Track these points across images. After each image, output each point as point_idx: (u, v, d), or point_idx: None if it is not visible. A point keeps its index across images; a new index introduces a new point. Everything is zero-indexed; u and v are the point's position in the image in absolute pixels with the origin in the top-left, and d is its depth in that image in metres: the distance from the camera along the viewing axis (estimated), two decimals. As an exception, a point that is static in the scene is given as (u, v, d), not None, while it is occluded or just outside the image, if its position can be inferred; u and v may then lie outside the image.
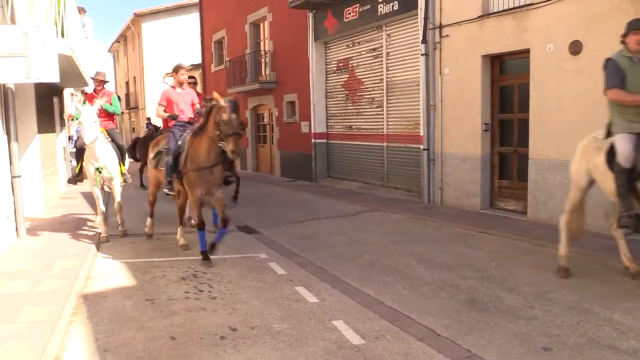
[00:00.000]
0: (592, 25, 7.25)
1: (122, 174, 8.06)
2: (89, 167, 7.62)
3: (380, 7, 11.73)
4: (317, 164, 14.90)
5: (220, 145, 6.05)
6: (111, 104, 7.97)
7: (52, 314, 4.39)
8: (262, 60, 18.19)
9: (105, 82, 8.29)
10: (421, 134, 10.62)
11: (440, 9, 9.83)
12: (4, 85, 6.93)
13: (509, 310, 4.62)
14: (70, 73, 9.77)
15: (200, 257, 6.42)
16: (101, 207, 7.83)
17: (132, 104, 35.86)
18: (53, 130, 12.35)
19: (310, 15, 14.40)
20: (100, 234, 7.76)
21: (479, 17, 9.03)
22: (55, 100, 13.13)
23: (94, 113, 7.25)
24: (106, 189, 8.16)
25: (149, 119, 21.62)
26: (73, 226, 8.57)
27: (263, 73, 18.16)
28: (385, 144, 12.41)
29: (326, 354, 3.78)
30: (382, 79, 12.37)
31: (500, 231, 7.70)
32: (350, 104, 13.76)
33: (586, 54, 7.36)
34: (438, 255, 6.64)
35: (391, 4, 11.41)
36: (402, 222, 9.02)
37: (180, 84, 7.52)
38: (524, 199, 8.55)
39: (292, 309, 4.77)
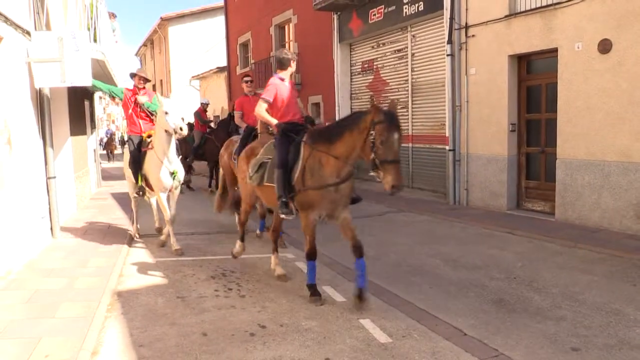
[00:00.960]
0: (622, 23, 7.15)
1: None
2: (161, 172, 6.90)
3: (406, 8, 11.73)
4: (342, 165, 14.93)
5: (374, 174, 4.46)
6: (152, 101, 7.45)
7: (88, 310, 4.55)
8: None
9: (147, 80, 7.76)
10: (447, 134, 10.58)
11: (467, 9, 9.80)
12: (40, 91, 7.17)
13: (536, 311, 4.61)
14: (102, 77, 10.02)
15: (230, 256, 6.51)
16: (169, 215, 7.08)
17: (159, 107, 36.43)
18: (84, 133, 12.68)
19: (335, 17, 14.47)
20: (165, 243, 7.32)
21: (505, 16, 8.97)
22: (87, 103, 13.47)
23: (179, 104, 6.89)
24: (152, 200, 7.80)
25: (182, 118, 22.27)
26: (105, 226, 8.80)
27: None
28: (410, 144, 12.39)
29: (354, 352, 3.84)
30: (407, 80, 12.36)
31: (527, 232, 7.64)
32: (375, 105, 13.76)
33: (616, 52, 7.26)
34: (464, 255, 6.64)
35: (416, 5, 11.41)
36: (428, 222, 9.02)
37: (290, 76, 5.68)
38: (552, 200, 8.47)
39: (320, 307, 4.84)
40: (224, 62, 24.49)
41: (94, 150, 15.12)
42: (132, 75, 7.61)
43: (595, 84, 7.56)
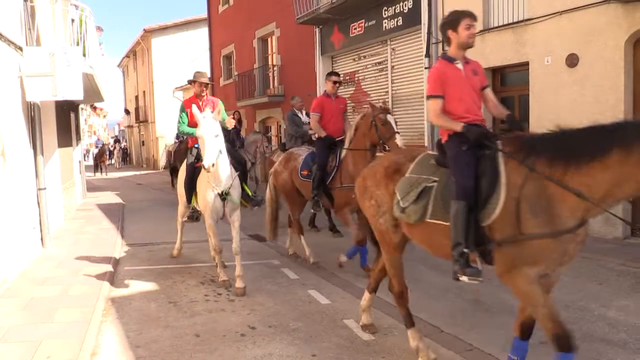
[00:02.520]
0: (587, 39, 7.60)
1: (252, 197, 6.33)
2: (207, 194, 5.72)
3: (385, 23, 12.14)
4: (325, 174, 15.25)
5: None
6: (219, 114, 5.70)
7: (84, 315, 4.75)
8: (270, 74, 18.66)
9: (208, 84, 6.35)
10: (426, 144, 10.96)
11: (443, 24, 10.21)
12: (30, 103, 7.36)
13: (510, 310, 4.91)
14: (89, 90, 10.21)
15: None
16: (217, 243, 6.02)
17: (141, 118, 36.47)
18: (70, 145, 12.81)
19: (317, 30, 14.85)
20: (221, 279, 6.06)
21: (479, 31, 9.38)
22: (72, 115, 13.61)
23: (217, 124, 5.45)
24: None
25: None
26: (93, 236, 8.96)
27: (271, 86, 18.61)
28: (391, 154, 12.74)
29: (339, 349, 4.10)
30: (387, 92, 12.75)
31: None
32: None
33: (582, 66, 7.70)
34: (445, 261, 6.92)
35: (395, 20, 11.82)
36: (408, 229, 9.32)
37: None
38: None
39: (306, 309, 5.10)
40: (207, 74, 24.69)
41: (80, 162, 15.23)
42: (191, 82, 6.29)
43: (564, 95, 7.99)
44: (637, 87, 7.28)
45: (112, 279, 6.22)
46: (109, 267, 6.61)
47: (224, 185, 5.64)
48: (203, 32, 27.10)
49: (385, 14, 12.10)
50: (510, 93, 9.36)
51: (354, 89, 14.16)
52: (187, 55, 29.49)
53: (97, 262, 6.92)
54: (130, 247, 8.18)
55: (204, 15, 26.30)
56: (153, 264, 7.12)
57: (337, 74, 7.20)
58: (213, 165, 5.16)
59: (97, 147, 38.30)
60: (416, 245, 3.95)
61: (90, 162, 33.70)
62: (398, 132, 6.02)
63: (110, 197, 16.03)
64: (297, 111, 9.87)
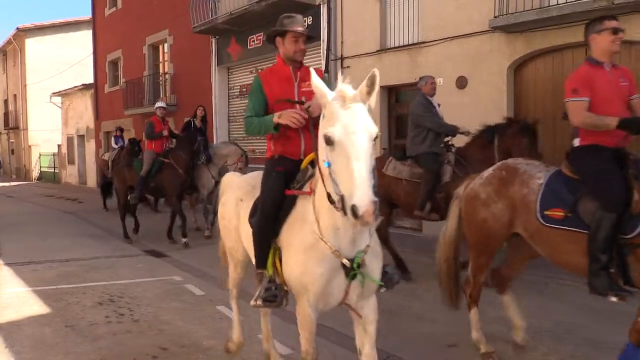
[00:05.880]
0: (475, 64, 8.29)
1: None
2: (314, 262, 2.79)
3: (284, 37, 12.27)
4: (221, 187, 14.99)
5: None
6: (373, 89, 2.80)
7: (-34, 345, 4.21)
8: (162, 82, 17.99)
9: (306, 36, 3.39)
10: (325, 158, 11.20)
11: (342, 42, 10.58)
12: None
13: (416, 316, 5.17)
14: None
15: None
16: (313, 352, 3.18)
17: (11, 124, 33.29)
18: None
19: (214, 40, 14.62)
20: None
21: (377, 51, 9.86)
22: None
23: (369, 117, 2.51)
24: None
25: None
26: (-37, 256, 7.99)
27: (162, 95, 17.94)
28: (289, 167, 12.84)
29: (259, 365, 4.03)
30: (286, 105, 12.86)
31: (401, 247, 8.37)
32: (254, 129, 14.08)
33: (471, 88, 8.37)
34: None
35: (295, 35, 12.00)
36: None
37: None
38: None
39: (218, 326, 4.95)
40: (90, 79, 23.26)
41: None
42: (276, 35, 3.43)
43: (456, 114, 8.56)
44: (517, 109, 8.05)
45: (-7, 303, 5.59)
46: (-12, 290, 5.93)
47: (357, 246, 2.71)
48: (86, 34, 25.56)
49: (284, 29, 12.23)
50: (405, 111, 9.88)
51: (251, 101, 14.11)
52: (67, 58, 27.54)
53: (-28, 284, 6.19)
54: (10, 267, 7.40)
55: (87, 17, 24.82)
56: (40, 285, 6.50)
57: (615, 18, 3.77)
58: (375, 203, 2.25)
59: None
60: None
61: None
62: None
63: None
64: (428, 97, 6.85)
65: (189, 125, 10.14)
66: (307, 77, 3.10)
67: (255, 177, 3.64)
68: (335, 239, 2.67)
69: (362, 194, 2.21)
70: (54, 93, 26.21)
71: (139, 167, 9.42)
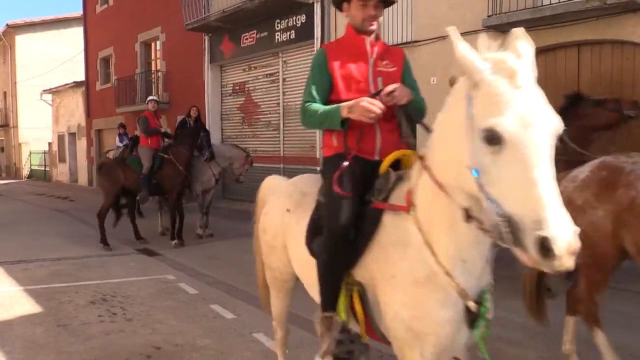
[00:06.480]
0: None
1: None
2: (434, 304, 2.03)
3: (278, 35, 12.25)
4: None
5: None
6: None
7: (-44, 345, 4.16)
8: (154, 80, 17.90)
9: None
10: (317, 156, 11.19)
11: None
12: None
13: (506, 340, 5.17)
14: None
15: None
16: None
17: (1, 122, 32.99)
18: None
19: (207, 38, 14.56)
20: None
21: (370, 49, 9.85)
22: None
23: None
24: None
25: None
26: (-47, 254, 7.91)
27: (154, 93, 17.85)
28: (282, 165, 12.84)
29: (253, 364, 4.01)
30: (278, 103, 12.85)
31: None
32: (247, 127, 14.07)
33: (464, 87, 8.38)
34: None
35: (288, 33, 11.98)
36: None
37: None
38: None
39: (212, 325, 4.93)
40: (81, 76, 23.10)
41: None
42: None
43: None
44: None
45: (-17, 302, 5.53)
46: (-22, 289, 5.87)
47: (480, 283, 2.07)
48: (77, 31, 25.39)
49: (278, 27, 12.21)
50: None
51: (244, 99, 14.07)
52: (57, 55, 27.34)
53: (-38, 283, 6.12)
54: (0, 266, 7.33)
55: (78, 14, 24.64)
56: (31, 283, 6.44)
57: None
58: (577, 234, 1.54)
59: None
60: None
61: None
62: None
63: None
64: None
65: (184, 124, 9.91)
66: (386, 55, 2.58)
67: (306, 181, 2.91)
68: (461, 273, 1.96)
69: (558, 221, 1.47)
70: (44, 90, 26.00)
71: (135, 164, 8.99)
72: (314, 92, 2.51)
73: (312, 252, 2.49)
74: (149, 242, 9.20)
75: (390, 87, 2.34)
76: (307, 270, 2.55)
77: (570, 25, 7.32)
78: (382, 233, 2.20)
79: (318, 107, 2.46)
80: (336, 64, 2.50)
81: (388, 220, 2.20)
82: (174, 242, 8.83)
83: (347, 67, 2.50)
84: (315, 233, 2.49)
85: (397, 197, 2.21)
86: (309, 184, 2.83)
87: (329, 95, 2.53)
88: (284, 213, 2.83)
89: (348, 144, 2.41)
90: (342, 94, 2.48)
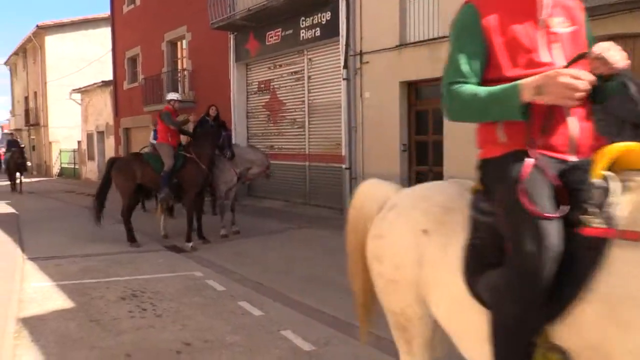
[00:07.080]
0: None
1: None
2: None
3: (303, 33, 12.24)
4: (239, 182, 15.05)
5: None
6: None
7: (-7, 338, 4.27)
8: (180, 79, 18.09)
9: None
10: (343, 154, 11.16)
11: (361, 38, 10.51)
12: None
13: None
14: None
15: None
16: None
17: (32, 121, 33.78)
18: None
19: (232, 36, 14.64)
20: None
21: (396, 46, 9.77)
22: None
23: None
24: None
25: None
26: (-12, 250, 8.13)
27: (181, 92, 18.04)
28: (307, 163, 12.84)
29: (281, 361, 4.02)
30: (303, 101, 12.85)
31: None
32: (272, 125, 14.11)
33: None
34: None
35: (313, 30, 11.96)
36: (329, 238, 9.41)
37: None
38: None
39: (240, 322, 4.95)
40: (109, 76, 23.49)
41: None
42: None
43: (475, 110, 8.53)
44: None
45: (18, 297, 5.66)
46: (13, 284, 6.01)
47: None
48: (105, 31, 25.78)
49: (302, 24, 12.21)
50: (425, 106, 9.81)
51: (269, 97, 14.12)
52: (86, 55, 27.83)
53: (-2, 279, 6.28)
54: (33, 262, 7.50)
55: (106, 14, 25.04)
56: (63, 279, 6.58)
57: None
58: None
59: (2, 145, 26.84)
60: None
61: None
62: None
63: None
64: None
65: (204, 121, 9.73)
66: (558, 7, 1.80)
67: (445, 191, 2.20)
68: None
69: None
70: (73, 90, 26.53)
71: (154, 161, 8.68)
72: (465, 67, 1.80)
73: (477, 295, 1.74)
74: (176, 239, 9.27)
75: (601, 46, 1.60)
76: (462, 319, 1.82)
77: (605, 18, 7.15)
78: (610, 275, 1.43)
79: (475, 89, 1.76)
80: (494, 25, 1.77)
81: (619, 255, 1.43)
82: (190, 244, 8.50)
83: (510, 30, 1.76)
84: (479, 265, 1.76)
85: (633, 218, 1.45)
86: (450, 196, 2.12)
87: (483, 70, 1.82)
88: (418, 236, 2.04)
89: (533, 136, 1.68)
90: (506, 69, 1.76)
